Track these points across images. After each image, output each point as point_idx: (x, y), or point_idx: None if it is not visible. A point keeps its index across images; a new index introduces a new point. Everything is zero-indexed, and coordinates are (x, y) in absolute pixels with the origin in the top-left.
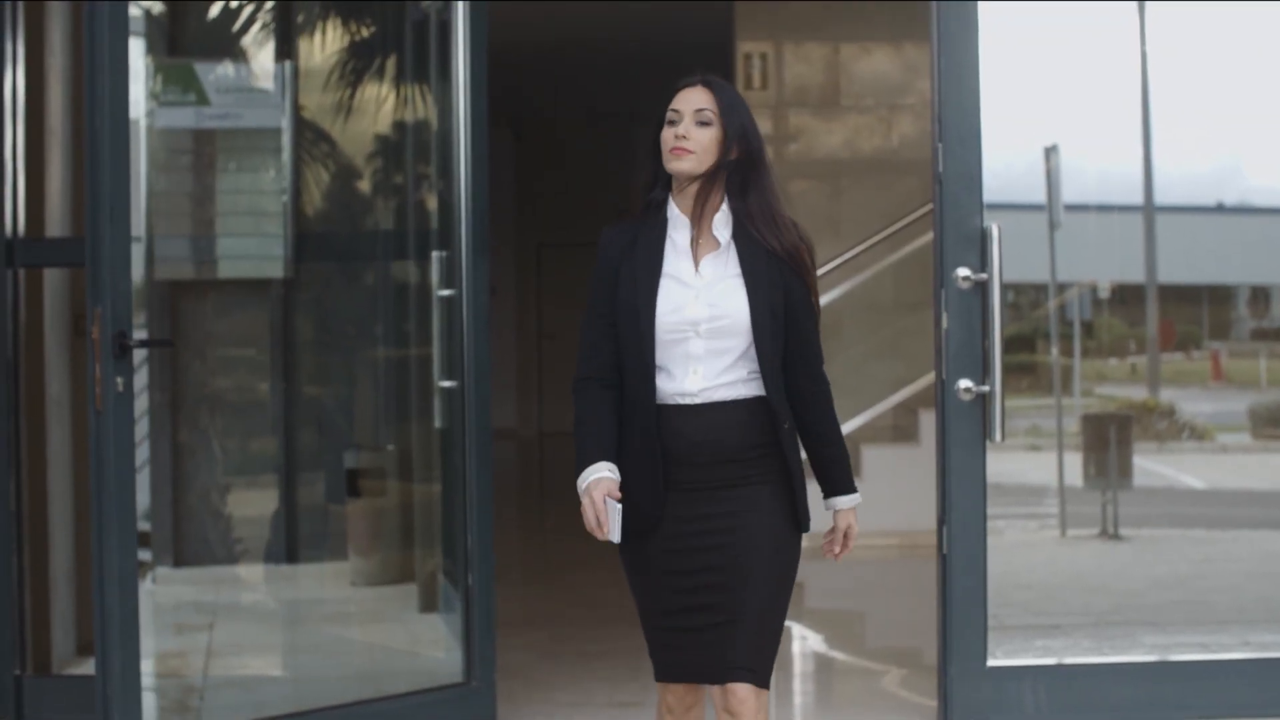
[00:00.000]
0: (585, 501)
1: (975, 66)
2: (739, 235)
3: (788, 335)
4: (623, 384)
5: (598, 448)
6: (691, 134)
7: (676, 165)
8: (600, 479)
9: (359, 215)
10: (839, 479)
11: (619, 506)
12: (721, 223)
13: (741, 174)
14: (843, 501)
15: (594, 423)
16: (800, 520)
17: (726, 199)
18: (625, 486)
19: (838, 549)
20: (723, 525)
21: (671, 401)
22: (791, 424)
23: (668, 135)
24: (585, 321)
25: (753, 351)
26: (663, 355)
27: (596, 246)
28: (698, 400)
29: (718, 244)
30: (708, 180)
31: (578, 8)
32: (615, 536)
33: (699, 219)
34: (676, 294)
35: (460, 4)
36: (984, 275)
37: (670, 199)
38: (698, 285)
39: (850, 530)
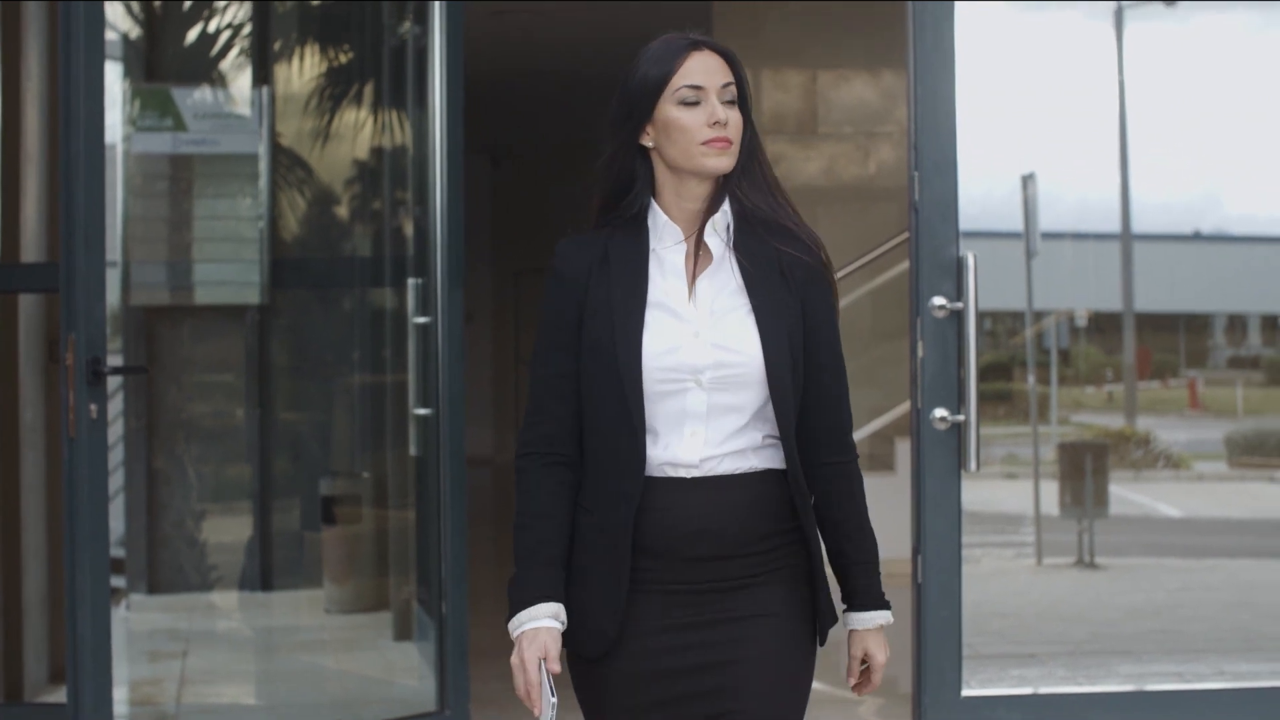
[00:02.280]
0: (514, 661)
1: (951, 95)
2: (739, 243)
3: (806, 381)
4: (584, 457)
5: (542, 576)
6: (728, 117)
7: (716, 163)
8: (538, 632)
9: (336, 241)
10: (865, 588)
11: (553, 694)
12: (713, 228)
13: (746, 162)
14: (866, 619)
15: (538, 528)
16: (820, 629)
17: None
18: (573, 596)
19: (854, 680)
20: (718, 641)
21: (659, 473)
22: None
23: (693, 121)
24: (534, 373)
25: (770, 409)
26: (652, 411)
27: (549, 267)
28: (697, 472)
29: (710, 258)
30: (727, 176)
31: (555, 38)
32: (546, 718)
33: (698, 229)
34: (669, 330)
35: (437, 32)
36: (959, 304)
37: (654, 204)
38: (695, 317)
39: (873, 660)
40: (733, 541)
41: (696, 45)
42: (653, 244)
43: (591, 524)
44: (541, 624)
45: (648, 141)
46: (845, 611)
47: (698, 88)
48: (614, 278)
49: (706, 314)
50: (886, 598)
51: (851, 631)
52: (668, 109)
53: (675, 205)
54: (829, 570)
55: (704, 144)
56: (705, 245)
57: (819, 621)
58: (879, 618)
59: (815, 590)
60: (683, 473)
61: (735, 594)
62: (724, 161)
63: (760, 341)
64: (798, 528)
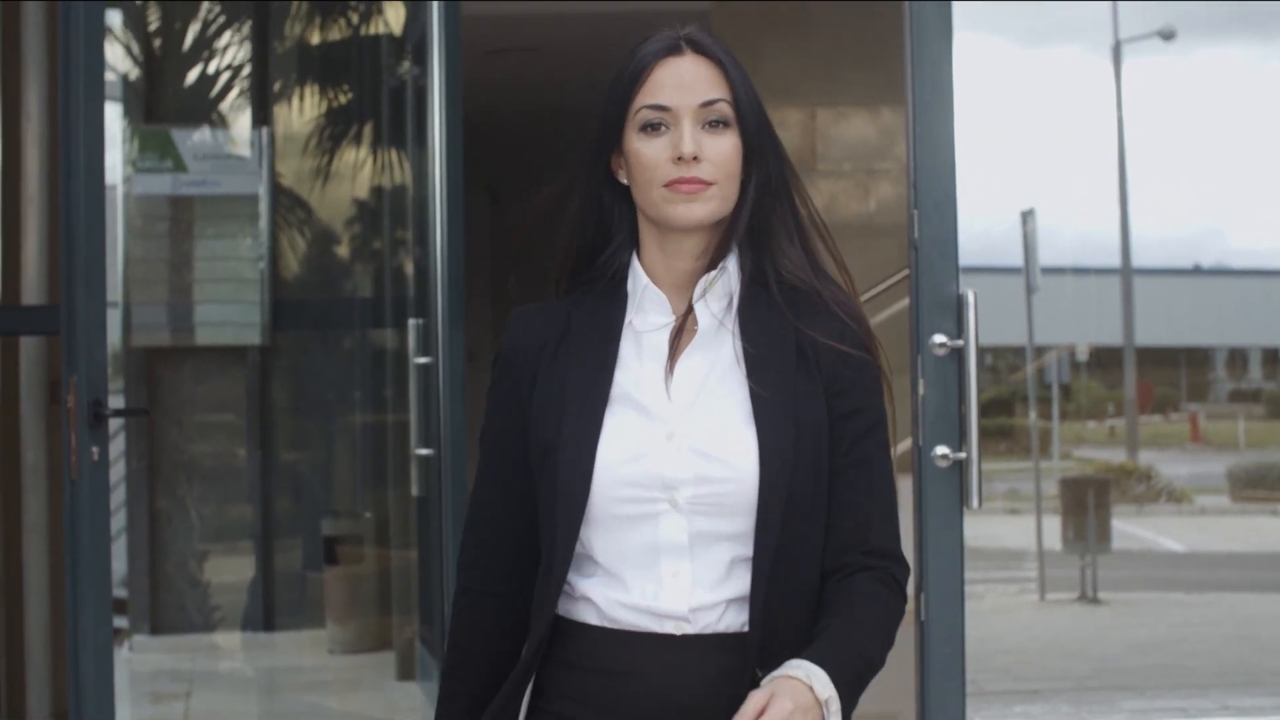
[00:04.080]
0: None
1: (951, 133)
2: (744, 313)
3: (847, 471)
4: (533, 592)
5: None
6: (704, 149)
7: (682, 213)
8: None
9: (336, 282)
10: (826, 648)
11: None
12: (706, 294)
13: (759, 203)
14: (797, 666)
15: (465, 685)
16: None
17: (734, 250)
18: None
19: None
20: None
21: (640, 628)
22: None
23: (653, 155)
24: (475, 490)
25: (774, 543)
26: (607, 543)
27: (498, 344)
28: (690, 628)
29: (697, 330)
30: (727, 226)
31: (554, 76)
32: None
33: (686, 296)
34: (634, 431)
35: (436, 71)
36: (960, 342)
37: (635, 261)
38: (671, 414)
39: (775, 708)
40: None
41: (675, 48)
42: (630, 315)
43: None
44: None
45: (624, 178)
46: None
47: (661, 108)
48: (572, 360)
49: (686, 408)
50: (847, 692)
51: (777, 679)
52: (630, 137)
53: (662, 265)
54: None
55: (666, 186)
56: (695, 315)
57: None
58: (816, 676)
59: None
60: (669, 627)
61: None
62: (694, 211)
63: (757, 449)
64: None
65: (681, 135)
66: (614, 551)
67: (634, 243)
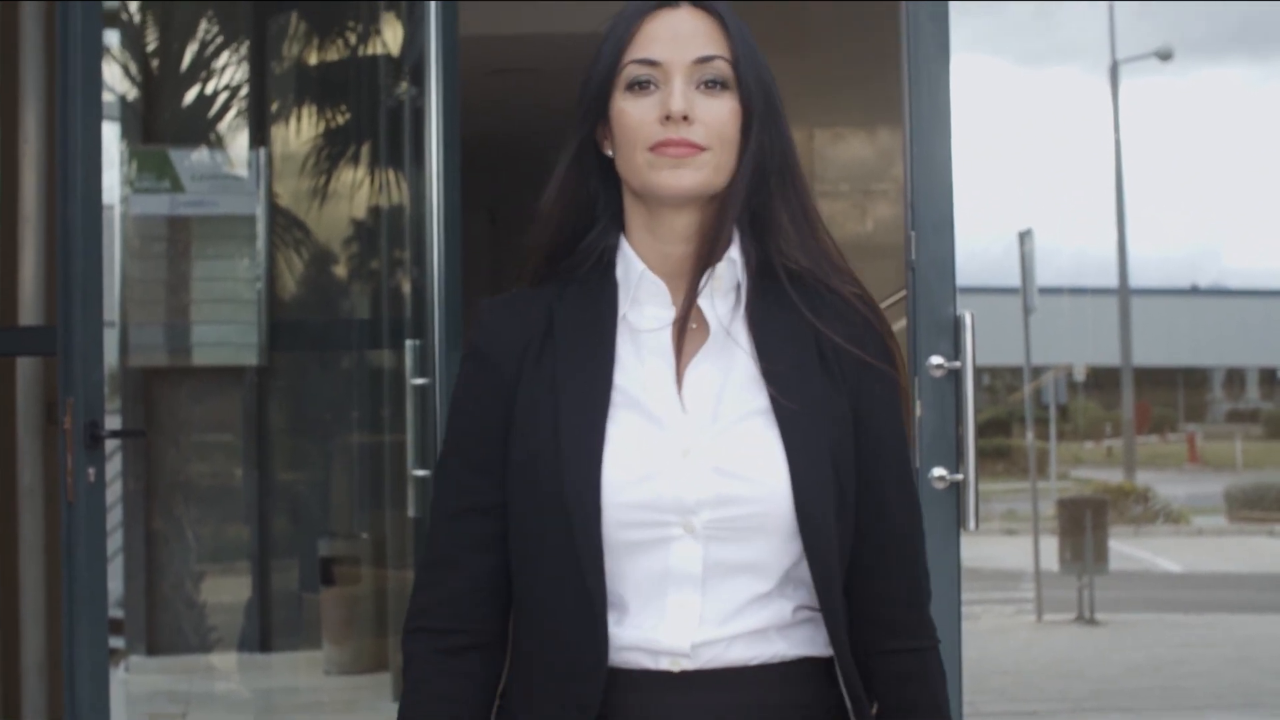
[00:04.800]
0: None
1: (948, 154)
2: (756, 311)
3: (862, 522)
4: (512, 639)
5: None
6: (696, 109)
7: (668, 180)
8: None
9: (333, 302)
10: None
11: None
12: (713, 286)
13: (759, 182)
14: None
15: None
16: None
17: (736, 238)
18: None
19: None
20: None
21: (626, 664)
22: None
23: (639, 115)
24: (436, 504)
25: (803, 568)
26: (616, 572)
27: (465, 339)
28: (689, 664)
29: (707, 332)
30: (722, 202)
31: (554, 97)
32: None
33: (692, 282)
34: (644, 444)
35: (433, 90)
36: (958, 363)
37: (625, 243)
38: (685, 425)
39: None
40: None
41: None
42: (623, 307)
43: None
44: None
45: (610, 150)
46: None
47: (651, 63)
48: (561, 360)
49: (703, 420)
50: None
51: None
52: (616, 98)
53: (651, 249)
54: None
55: (651, 149)
56: (700, 312)
57: None
58: None
59: None
60: (665, 664)
61: None
62: (681, 178)
63: (787, 463)
64: None
65: (671, 92)
66: (613, 580)
67: (621, 225)
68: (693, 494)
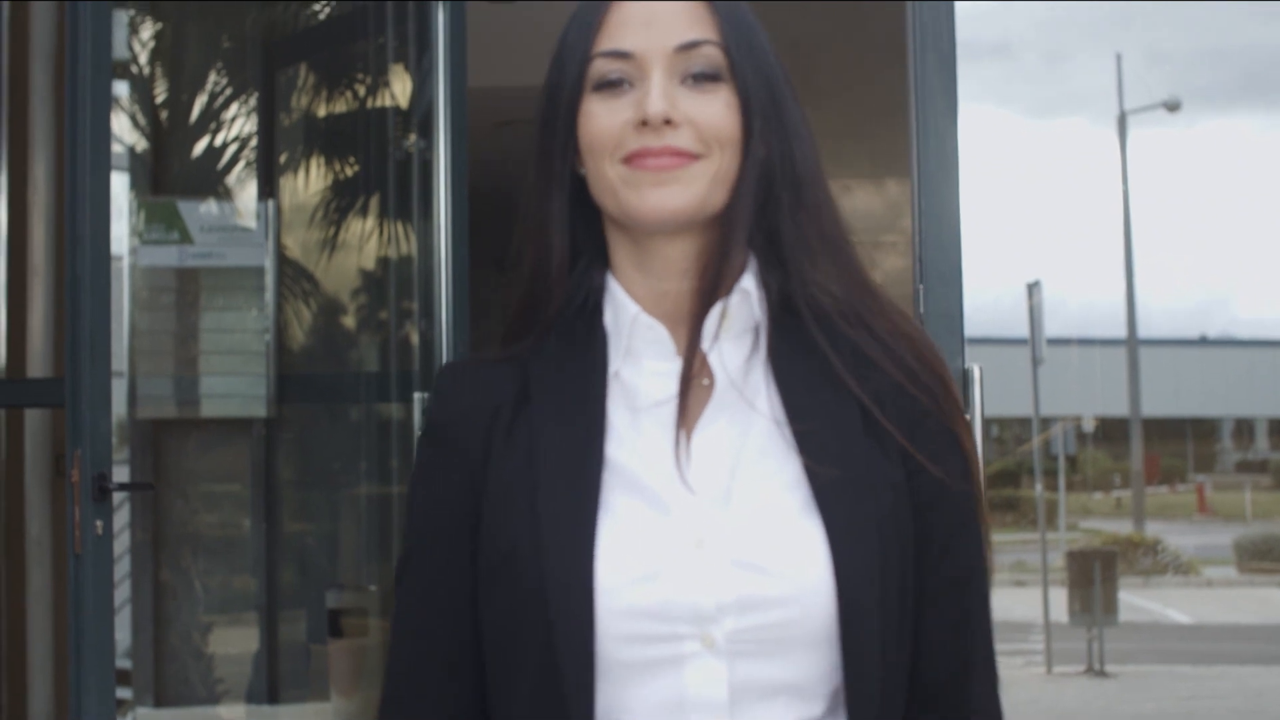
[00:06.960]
0: None
1: (956, 207)
2: (781, 355)
3: (924, 638)
4: None
5: None
6: (682, 109)
7: (655, 201)
8: None
9: (342, 354)
10: None
11: None
12: (728, 327)
13: (768, 196)
14: None
15: None
16: None
17: (752, 265)
18: None
19: None
20: None
21: None
22: None
23: (607, 120)
24: (397, 612)
25: (844, 679)
26: (606, 700)
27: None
28: None
29: (712, 383)
30: (724, 225)
31: None
32: None
33: (695, 325)
34: (645, 533)
35: (442, 142)
36: (966, 416)
37: (613, 282)
38: (694, 507)
39: None
40: None
41: None
42: (614, 363)
43: None
44: None
45: (583, 169)
46: None
47: (621, 54)
48: (540, 431)
49: (716, 499)
50: None
51: None
52: (583, 102)
53: (644, 286)
54: None
55: (625, 162)
56: (705, 361)
57: None
58: None
59: None
60: None
61: None
62: (666, 198)
63: (829, 549)
64: None
65: (648, 90)
66: (613, 712)
67: (607, 260)
68: (711, 597)
